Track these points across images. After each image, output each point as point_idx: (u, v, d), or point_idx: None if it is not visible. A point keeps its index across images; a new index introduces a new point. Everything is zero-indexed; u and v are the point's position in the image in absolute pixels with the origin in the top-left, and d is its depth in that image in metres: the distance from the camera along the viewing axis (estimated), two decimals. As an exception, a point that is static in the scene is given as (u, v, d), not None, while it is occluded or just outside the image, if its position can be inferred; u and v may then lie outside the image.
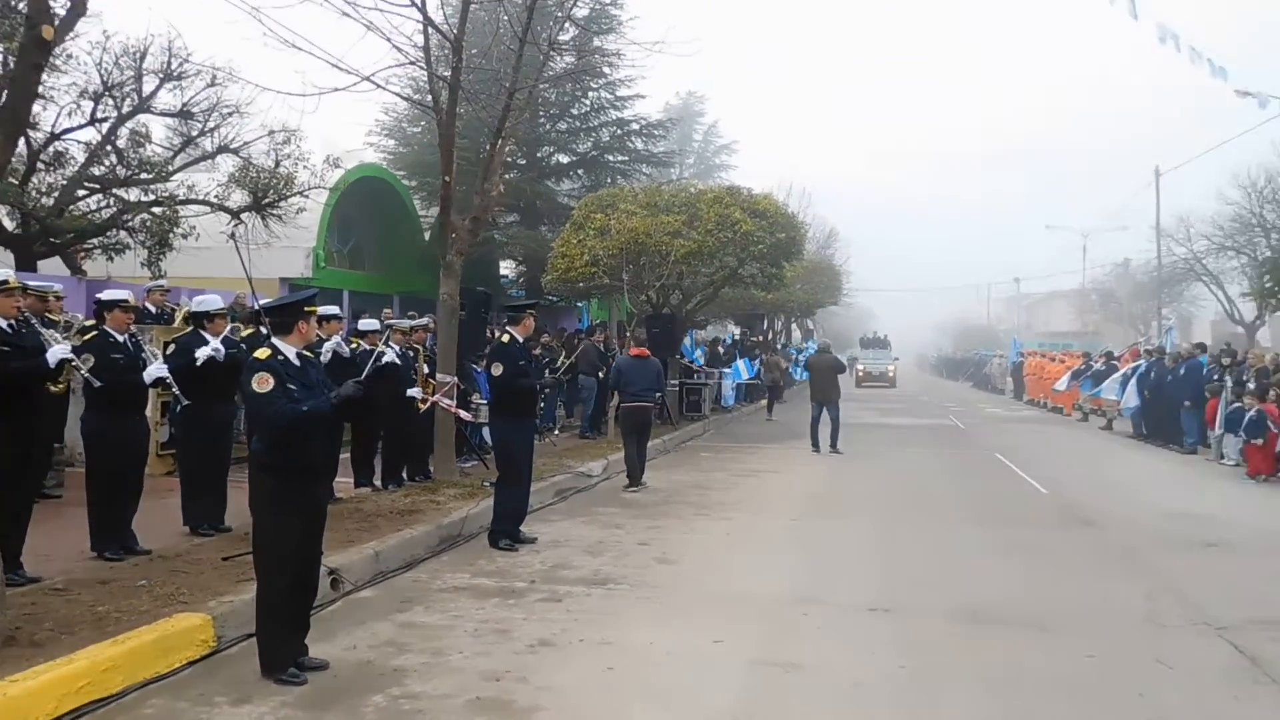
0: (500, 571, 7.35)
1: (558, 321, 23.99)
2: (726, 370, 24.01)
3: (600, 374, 15.76)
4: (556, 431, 16.05)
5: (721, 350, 25.79)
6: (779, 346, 34.03)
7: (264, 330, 5.71)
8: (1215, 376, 16.41)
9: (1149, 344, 24.29)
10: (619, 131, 24.55)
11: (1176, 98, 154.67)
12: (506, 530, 8.14)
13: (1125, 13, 19.24)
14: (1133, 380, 19.39)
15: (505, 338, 8.19)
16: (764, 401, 24.89)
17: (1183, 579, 7.48)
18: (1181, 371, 17.54)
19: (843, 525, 9.60)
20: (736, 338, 31.13)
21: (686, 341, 24.08)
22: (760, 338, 32.44)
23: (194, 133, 14.46)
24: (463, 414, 10.17)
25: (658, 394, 18.19)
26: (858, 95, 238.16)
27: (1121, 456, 16.54)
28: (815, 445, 15.94)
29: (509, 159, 22.52)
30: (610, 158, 24.72)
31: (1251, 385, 14.58)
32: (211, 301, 7.76)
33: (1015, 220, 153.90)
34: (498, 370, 7.99)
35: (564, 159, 24.64)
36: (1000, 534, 9.20)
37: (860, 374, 39.30)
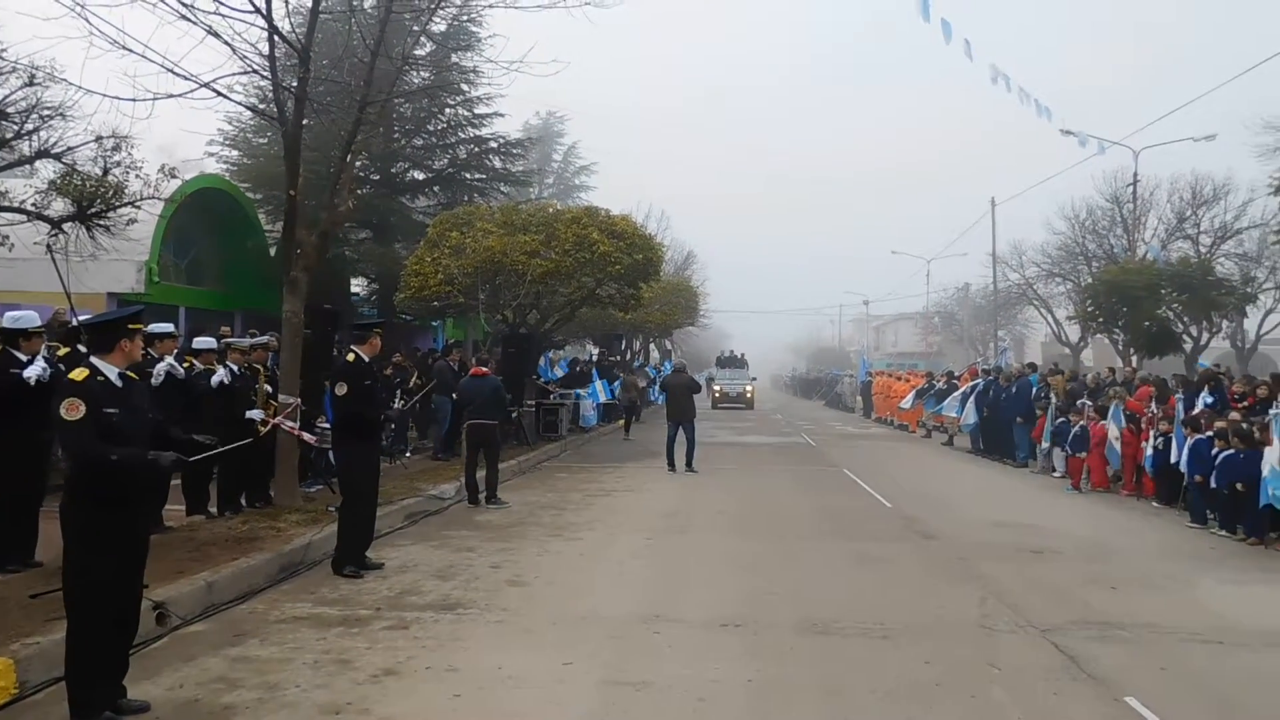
0: (344, 599, 7.10)
1: (412, 341, 23.50)
2: (583, 391, 24.07)
3: (455, 395, 15.52)
4: (408, 454, 15.69)
5: (578, 370, 25.88)
6: (636, 366, 34.37)
7: (82, 349, 5.35)
8: (1043, 394, 17.58)
9: (986, 364, 25.77)
10: (476, 149, 24.31)
11: (1011, 134, 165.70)
12: (351, 556, 7.88)
13: (961, 53, 20.51)
14: (971, 398, 20.55)
15: (350, 357, 7.97)
16: (621, 422, 25.05)
17: (1011, 585, 7.93)
18: (1014, 390, 18.72)
19: (696, 542, 9.73)
20: (594, 358, 31.28)
21: (543, 361, 24.06)
22: (618, 358, 32.69)
23: (8, 134, 13.42)
24: (306, 436, 9.80)
25: (512, 411, 18.17)
26: (717, 119, 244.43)
27: (960, 471, 17.45)
28: (671, 464, 16.14)
29: (361, 174, 22.02)
30: (467, 175, 24.43)
31: (1088, 402, 15.66)
32: (28, 318, 7.23)
33: (866, 245, 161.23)
34: (341, 390, 7.76)
35: (419, 175, 24.20)
36: (846, 547, 9.52)
37: (717, 394, 40.00)
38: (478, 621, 6.56)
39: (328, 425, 10.14)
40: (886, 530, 10.65)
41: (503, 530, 10.17)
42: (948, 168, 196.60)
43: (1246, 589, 8.11)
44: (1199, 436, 11.70)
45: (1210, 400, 13.63)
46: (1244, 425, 11.11)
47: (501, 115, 25.09)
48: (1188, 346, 23.87)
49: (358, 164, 20.28)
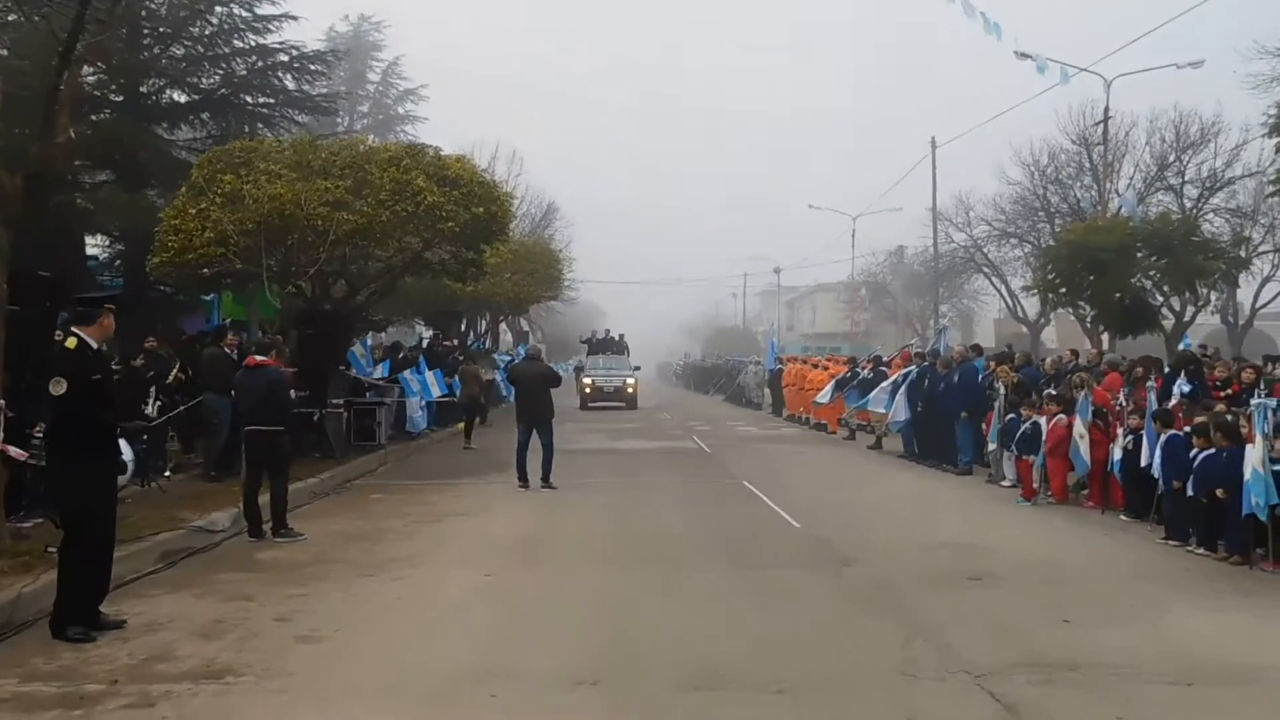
0: (66, 672, 6.86)
1: (175, 321, 22.79)
2: (412, 385, 23.90)
3: (233, 392, 15.15)
4: (168, 474, 15.25)
5: (401, 357, 25.67)
6: (480, 353, 34.33)
7: None
8: (990, 384, 18.31)
9: (921, 346, 26.65)
10: (260, 63, 23.78)
11: (954, 60, 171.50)
12: (78, 613, 7.62)
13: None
14: (903, 390, 21.24)
15: (71, 343, 7.69)
16: (461, 425, 24.98)
17: (943, 621, 8.26)
18: (955, 379, 19.39)
19: (551, 578, 9.80)
20: (425, 342, 31.08)
21: (356, 349, 23.69)
22: (455, 342, 32.52)
23: None
24: (13, 452, 9.42)
25: (311, 414, 17.81)
26: (587, 32, 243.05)
27: (888, 480, 18.03)
28: (523, 479, 16.20)
29: (95, 92, 21.27)
30: (247, 99, 23.87)
31: (1050, 393, 16.32)
32: None
33: (778, 199, 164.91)
34: (59, 389, 7.48)
35: (180, 97, 23.48)
36: (742, 579, 9.73)
37: (588, 389, 40.21)
38: (253, 693, 6.44)
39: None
40: (794, 556, 10.94)
41: (294, 571, 10.02)
42: (878, 105, 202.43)
43: (1223, 618, 8.64)
44: (1172, 433, 12.37)
45: (1188, 389, 14.42)
46: (1228, 418, 11.68)
47: (295, 18, 24.57)
48: (1168, 323, 24.75)
49: (88, 77, 19.63)
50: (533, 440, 16.41)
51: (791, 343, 70.71)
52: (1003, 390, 17.14)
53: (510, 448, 16.99)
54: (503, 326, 51.16)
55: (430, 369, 25.41)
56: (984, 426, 17.97)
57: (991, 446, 17.34)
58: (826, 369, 30.08)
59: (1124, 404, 14.55)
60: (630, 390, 40.32)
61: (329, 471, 16.62)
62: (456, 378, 26.29)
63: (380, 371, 24.06)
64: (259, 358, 12.32)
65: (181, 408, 15.82)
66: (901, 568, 10.32)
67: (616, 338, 46.24)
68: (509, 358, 39.29)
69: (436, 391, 25.21)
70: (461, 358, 28.54)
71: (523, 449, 16.39)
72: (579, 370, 44.21)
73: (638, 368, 42.95)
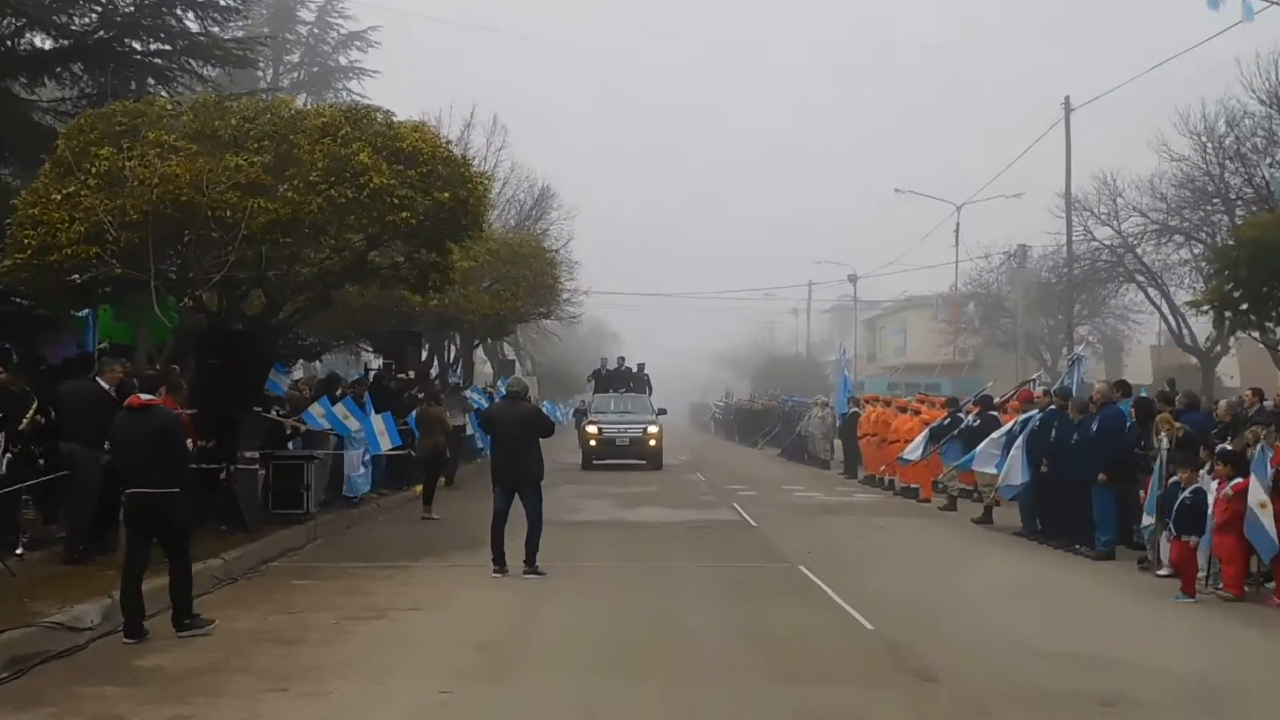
0: None
1: (33, 344, 22.97)
2: (354, 433, 23.99)
3: (108, 443, 15.27)
4: (20, 551, 15.39)
5: (340, 393, 25.83)
6: (448, 389, 34.43)
7: None
8: (1141, 436, 18.27)
9: (1044, 383, 26.62)
10: (149, -1, 24.00)
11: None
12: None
13: None
14: (1020, 442, 21.28)
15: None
16: (418, 488, 25.11)
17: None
18: (1093, 428, 19.35)
19: (529, 697, 9.88)
20: (372, 375, 31.17)
21: (283, 380, 23.85)
22: (412, 375, 32.60)
23: None
24: None
25: (218, 471, 17.95)
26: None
27: (997, 566, 18.08)
28: (499, 561, 16.25)
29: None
30: (134, 45, 24.05)
31: (1225, 449, 16.08)
32: None
33: (851, 190, 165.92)
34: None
35: (43, 43, 23.75)
36: (789, 697, 9.80)
37: (593, 441, 40.14)
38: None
39: None
40: (861, 667, 11.01)
41: (183, 682, 10.12)
42: (983, 55, 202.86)
43: None
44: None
45: None
46: None
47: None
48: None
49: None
50: (514, 509, 16.48)
51: (872, 377, 70.85)
52: (1164, 444, 16.93)
53: (483, 518, 17.01)
54: (479, 354, 51.47)
55: (378, 411, 25.52)
56: (1141, 494, 17.84)
57: (1147, 521, 17.13)
58: (918, 413, 30.15)
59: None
60: (652, 443, 39.87)
61: (238, 549, 16.68)
62: (414, 423, 26.45)
63: (319, 416, 24.19)
64: (145, 396, 12.39)
65: (39, 459, 15.97)
66: (1006, 686, 10.34)
67: (634, 370, 45.90)
68: (486, 396, 39.45)
69: (386, 442, 25.23)
70: (421, 396, 28.65)
71: (500, 521, 16.39)
72: (581, 415, 44.27)
73: (662, 411, 42.15)
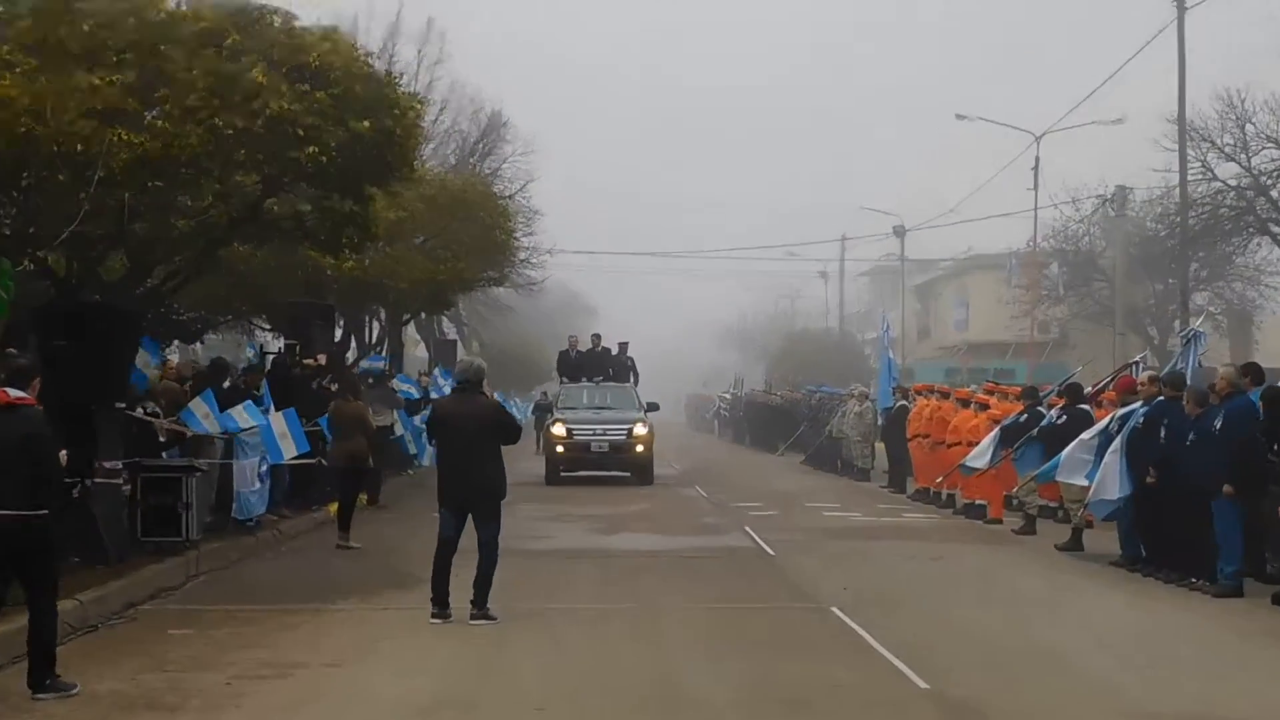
0: None
1: None
2: (247, 436, 23.99)
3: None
4: None
5: (231, 386, 25.75)
6: (371, 378, 34.44)
7: None
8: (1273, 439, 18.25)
9: (1146, 367, 26.59)
10: None
11: None
12: None
13: None
14: (1118, 444, 21.26)
15: None
16: (332, 507, 25.11)
17: None
18: (1215, 426, 19.29)
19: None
20: (270, 361, 31.16)
21: (146, 365, 23.76)
22: (323, 360, 32.52)
23: None
24: None
25: (71, 486, 17.93)
26: None
27: (1089, 605, 18.13)
28: (441, 604, 16.25)
29: None
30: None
31: None
32: None
33: (896, 121, 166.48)
34: None
35: None
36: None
37: (561, 447, 39.83)
38: None
39: None
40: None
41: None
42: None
43: None
44: None
45: None
46: None
47: None
48: None
49: None
50: (464, 536, 16.48)
51: (925, 360, 71.10)
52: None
53: (418, 548, 17.10)
54: (409, 333, 51.46)
55: (278, 408, 25.52)
56: (1277, 511, 17.82)
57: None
58: (985, 408, 30.14)
59: None
60: (638, 449, 39.52)
61: (98, 589, 16.61)
62: (325, 424, 26.43)
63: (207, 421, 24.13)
64: (13, 392, 12.11)
65: None
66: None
67: (614, 352, 45.26)
68: (417, 390, 39.48)
69: (289, 449, 25.21)
70: (335, 388, 28.60)
71: (447, 551, 16.23)
72: (544, 411, 44.18)
73: (652, 406, 41.52)
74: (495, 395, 22.76)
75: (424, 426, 29.54)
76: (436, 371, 44.09)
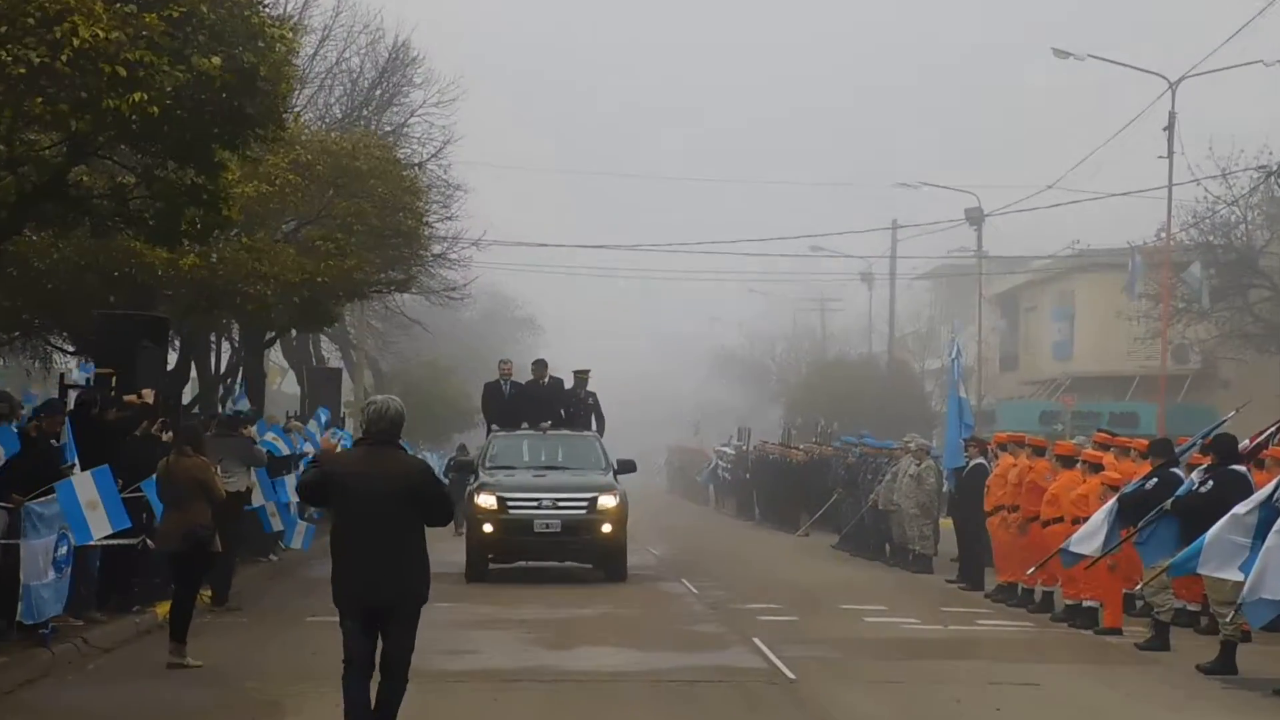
0: None
1: None
2: (39, 505, 24.04)
3: None
4: None
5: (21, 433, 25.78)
6: (215, 423, 34.45)
7: None
8: None
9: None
10: None
11: None
12: None
13: None
14: (1288, 515, 21.35)
15: None
16: (161, 607, 25.11)
17: None
18: None
19: None
20: (76, 394, 31.17)
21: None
22: (143, 396, 32.51)
23: None
24: None
25: None
26: None
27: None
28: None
29: None
30: None
31: None
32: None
33: (976, 54, 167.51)
34: None
35: None
36: None
37: (489, 524, 39.34)
38: None
39: None
40: None
41: None
42: None
43: None
44: None
45: None
46: None
47: None
48: None
49: None
50: (372, 654, 16.40)
51: (1011, 399, 71.11)
52: None
53: (289, 666, 17.11)
54: (273, 357, 51.52)
55: (85, 465, 25.56)
56: None
57: None
58: (1098, 469, 30.15)
59: None
60: (605, 528, 38.46)
61: None
62: (153, 488, 26.44)
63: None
64: None
65: None
66: None
67: (568, 386, 44.83)
68: (284, 440, 39.41)
69: (101, 525, 25.29)
70: (167, 436, 28.67)
71: (359, 677, 16.14)
72: (463, 471, 44.01)
73: (626, 466, 41.39)
74: (436, 454, 22.58)
75: (295, 492, 29.53)
76: (320, 414, 44.13)
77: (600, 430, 43.90)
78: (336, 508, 16.96)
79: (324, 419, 41.48)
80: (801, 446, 66.38)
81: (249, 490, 32.82)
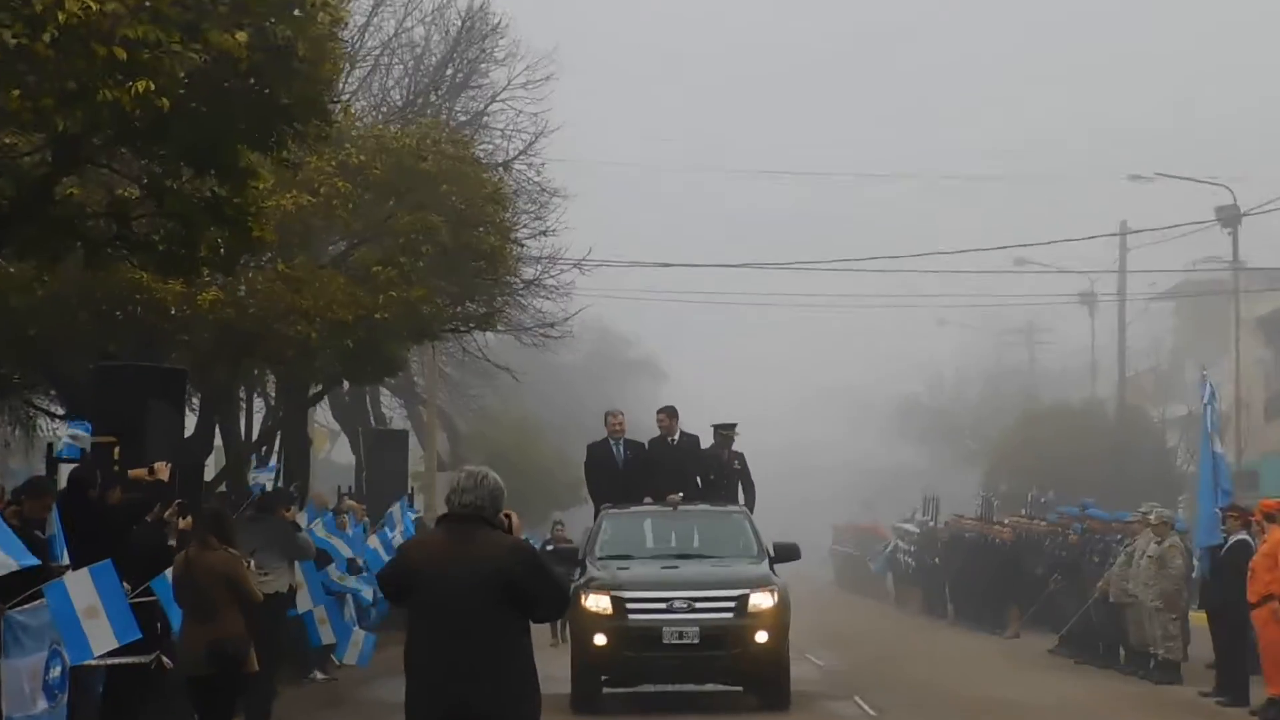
0: None
1: None
2: (22, 615, 24.26)
3: None
4: None
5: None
6: (246, 507, 34.64)
7: None
8: None
9: None
10: None
11: None
12: None
13: None
14: None
15: None
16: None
17: None
18: None
19: None
20: (69, 469, 31.42)
21: None
22: (152, 473, 32.76)
23: None
24: None
25: None
26: None
27: None
28: None
29: None
30: None
31: None
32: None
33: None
34: None
35: None
36: None
37: (605, 635, 38.67)
38: None
39: None
40: None
41: None
42: None
43: None
44: None
45: None
46: None
47: None
48: None
49: None
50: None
51: (1276, 448, 70.85)
52: None
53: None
54: (320, 416, 51.75)
55: (79, 559, 25.76)
56: None
57: None
58: None
59: None
60: (760, 638, 37.96)
61: None
62: (167, 590, 26.60)
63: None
64: None
65: None
66: None
67: (707, 447, 43.80)
68: (336, 529, 39.47)
69: (103, 637, 25.49)
70: (184, 523, 28.85)
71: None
72: (564, 561, 43.65)
73: (786, 552, 40.49)
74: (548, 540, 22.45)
75: (356, 590, 29.55)
76: (394, 512, 44.00)
77: (750, 504, 42.42)
78: (411, 608, 16.57)
79: (403, 515, 41.47)
80: (1007, 521, 66.39)
81: (292, 590, 32.86)
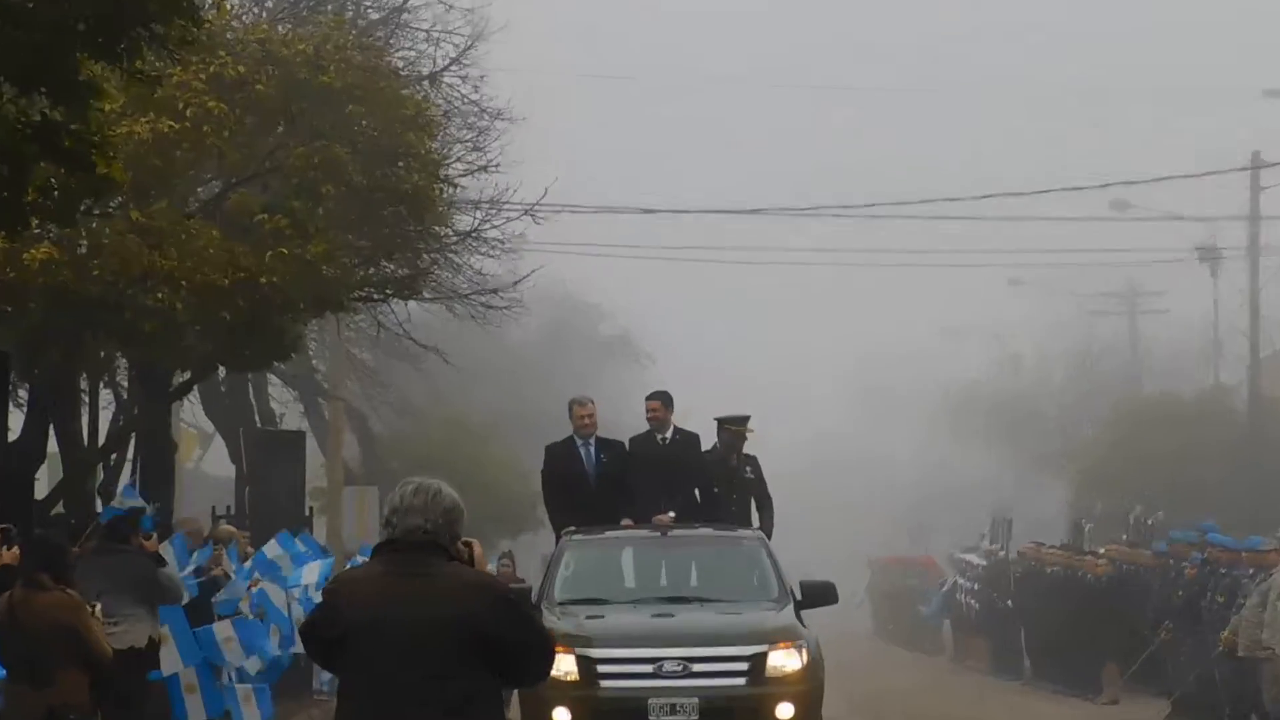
0: None
1: None
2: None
3: None
4: None
5: None
6: (93, 533, 34.81)
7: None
8: None
9: None
10: None
11: None
12: None
13: None
14: None
15: None
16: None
17: None
18: None
19: None
20: None
21: None
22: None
23: None
24: None
25: None
26: None
27: None
28: None
29: None
30: None
31: None
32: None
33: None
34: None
35: None
36: None
37: (570, 709, 38.75)
38: None
39: None
40: None
41: None
42: None
43: None
44: None
45: None
46: None
47: None
48: None
49: None
50: None
51: None
52: None
53: None
54: (189, 411, 52.07)
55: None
56: None
57: None
58: None
59: None
60: (783, 711, 37.66)
61: None
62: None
63: None
64: None
65: None
66: None
67: (709, 446, 43.68)
68: (197, 559, 39.53)
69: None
70: (11, 553, 29.01)
71: None
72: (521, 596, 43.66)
73: (820, 593, 39.82)
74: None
75: (244, 641, 29.66)
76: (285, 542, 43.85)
77: (768, 526, 41.08)
78: (343, 670, 15.35)
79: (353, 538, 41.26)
80: (1102, 550, 66.32)
81: (154, 645, 32.75)
